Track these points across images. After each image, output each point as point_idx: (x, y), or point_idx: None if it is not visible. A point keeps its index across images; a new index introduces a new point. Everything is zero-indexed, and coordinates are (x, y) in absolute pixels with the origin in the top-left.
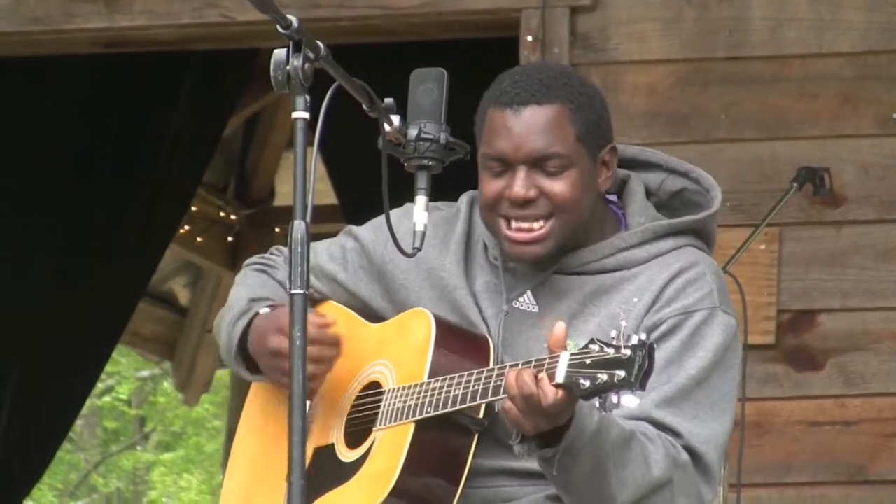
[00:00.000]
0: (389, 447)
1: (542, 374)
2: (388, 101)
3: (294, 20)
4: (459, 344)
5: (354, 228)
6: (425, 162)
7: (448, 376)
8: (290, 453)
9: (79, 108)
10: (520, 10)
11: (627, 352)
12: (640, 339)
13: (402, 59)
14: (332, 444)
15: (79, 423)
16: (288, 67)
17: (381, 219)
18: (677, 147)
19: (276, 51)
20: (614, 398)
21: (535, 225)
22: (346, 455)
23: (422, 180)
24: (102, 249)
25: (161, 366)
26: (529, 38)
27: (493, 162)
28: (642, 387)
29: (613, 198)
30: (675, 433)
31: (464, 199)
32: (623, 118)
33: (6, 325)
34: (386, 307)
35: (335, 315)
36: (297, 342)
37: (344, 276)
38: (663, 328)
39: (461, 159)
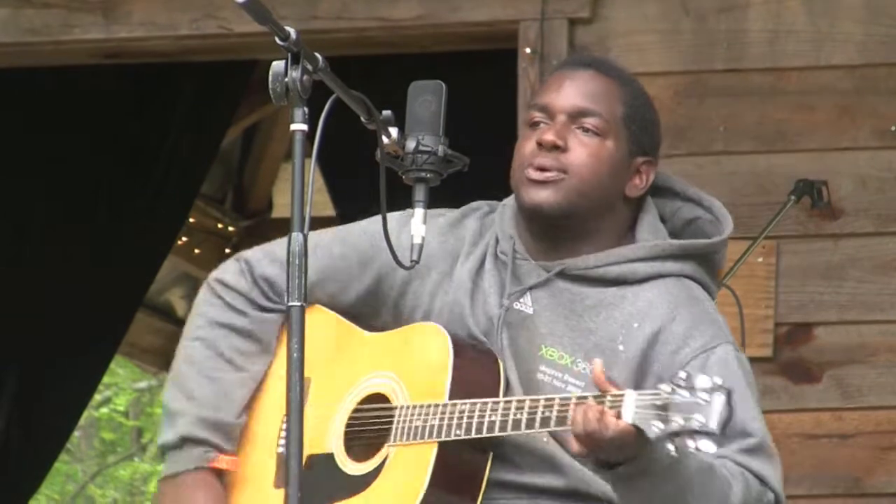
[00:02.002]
0: (410, 465)
1: (607, 410)
2: (387, 113)
3: (292, 32)
4: (473, 363)
5: (349, 235)
6: (423, 174)
7: (480, 401)
8: (287, 463)
9: (77, 119)
10: (518, 22)
11: (705, 395)
12: (714, 383)
13: (400, 71)
14: (331, 454)
15: (76, 434)
16: (286, 79)
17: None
18: (675, 159)
19: (274, 62)
20: (691, 443)
21: (552, 174)
22: (352, 467)
23: (420, 193)
24: (100, 260)
25: (158, 377)
26: (528, 51)
27: (536, 112)
28: (723, 434)
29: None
30: (762, 479)
31: (484, 206)
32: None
33: (4, 334)
34: (377, 311)
35: (324, 321)
36: (295, 354)
37: (334, 287)
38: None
39: (459, 171)
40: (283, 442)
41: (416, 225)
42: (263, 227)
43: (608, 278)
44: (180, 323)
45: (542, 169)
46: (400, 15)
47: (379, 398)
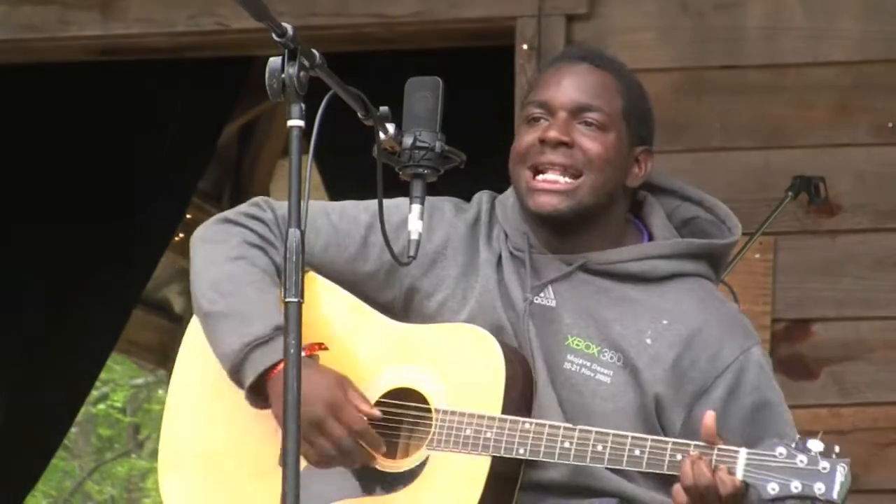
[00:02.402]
0: (461, 476)
1: (720, 466)
2: (384, 109)
3: (289, 28)
4: (517, 370)
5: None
6: (420, 170)
7: (549, 423)
8: (285, 459)
9: (74, 116)
10: (515, 19)
11: (825, 463)
12: (828, 449)
13: (397, 67)
14: None
15: (73, 430)
16: (283, 75)
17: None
18: (672, 156)
19: (271, 59)
20: None
21: (561, 179)
22: (381, 463)
23: (417, 189)
24: (98, 257)
25: (155, 373)
26: (525, 47)
27: (535, 109)
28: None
29: (630, 216)
30: None
31: (484, 197)
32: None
33: (1, 331)
34: (389, 285)
35: (339, 297)
36: (292, 350)
37: (355, 251)
38: (730, 375)
39: (456, 167)
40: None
41: (412, 221)
42: None
43: (630, 274)
44: (178, 319)
45: (550, 168)
46: (397, 11)
47: (409, 393)
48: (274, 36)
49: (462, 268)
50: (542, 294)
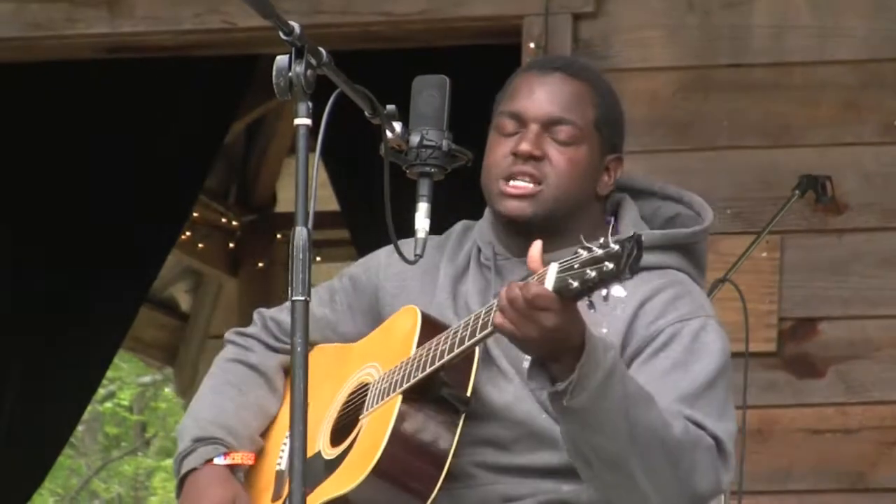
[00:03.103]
0: (375, 426)
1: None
2: (390, 107)
3: (296, 26)
4: (438, 328)
5: (347, 269)
6: (427, 169)
7: (434, 340)
8: (291, 460)
9: (80, 114)
10: (522, 17)
11: (616, 246)
12: (629, 235)
13: (404, 65)
14: (318, 452)
15: (80, 428)
16: (290, 74)
17: (377, 251)
18: (679, 154)
19: (278, 57)
20: (603, 292)
21: (531, 185)
22: (332, 452)
23: (424, 187)
24: (104, 255)
25: (162, 371)
26: (532, 45)
27: (507, 120)
28: (632, 273)
29: (610, 219)
30: (697, 424)
31: (458, 226)
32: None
33: (8, 329)
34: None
35: (321, 355)
36: (299, 349)
37: (332, 317)
38: (662, 338)
39: (463, 166)
40: (279, 460)
41: (419, 220)
42: (267, 222)
43: None
44: (184, 317)
45: (520, 175)
46: (404, 10)
47: (362, 387)
48: (281, 34)
49: (422, 287)
50: None
